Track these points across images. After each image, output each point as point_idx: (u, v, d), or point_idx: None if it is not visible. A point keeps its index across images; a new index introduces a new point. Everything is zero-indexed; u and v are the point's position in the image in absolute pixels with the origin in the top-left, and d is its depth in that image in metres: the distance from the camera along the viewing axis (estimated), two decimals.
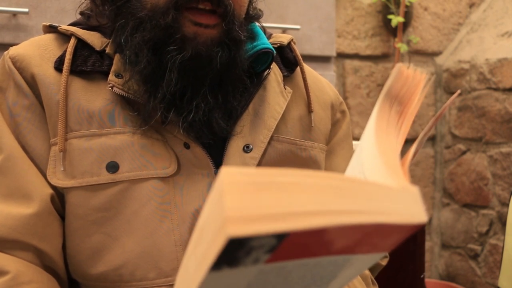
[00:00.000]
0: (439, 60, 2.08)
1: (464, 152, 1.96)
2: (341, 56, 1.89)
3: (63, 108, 0.62)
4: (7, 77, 0.65)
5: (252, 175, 0.24)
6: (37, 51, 0.66)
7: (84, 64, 0.65)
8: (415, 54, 2.03)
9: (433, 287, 1.92)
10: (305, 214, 0.24)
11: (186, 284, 0.28)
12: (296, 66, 0.77)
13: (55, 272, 0.63)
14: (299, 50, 0.79)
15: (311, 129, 0.75)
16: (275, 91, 0.73)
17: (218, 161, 0.66)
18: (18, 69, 0.64)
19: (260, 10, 0.74)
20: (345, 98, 1.89)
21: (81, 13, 0.72)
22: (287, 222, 0.24)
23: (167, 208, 0.63)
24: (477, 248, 1.91)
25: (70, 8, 0.74)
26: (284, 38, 0.77)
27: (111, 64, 0.65)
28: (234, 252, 0.24)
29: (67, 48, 0.65)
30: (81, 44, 0.66)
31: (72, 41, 0.66)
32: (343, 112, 0.82)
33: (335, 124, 0.80)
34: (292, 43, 0.78)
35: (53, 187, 0.63)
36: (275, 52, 0.71)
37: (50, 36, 0.69)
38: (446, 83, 2.04)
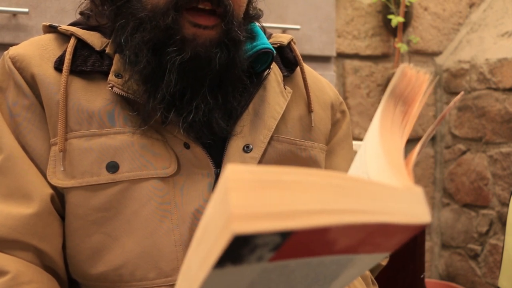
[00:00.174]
0: (439, 60, 2.08)
1: (464, 152, 1.96)
2: (341, 56, 1.89)
3: (63, 108, 0.62)
4: (7, 77, 0.65)
5: (258, 173, 0.24)
6: (37, 51, 0.66)
7: (84, 64, 0.65)
8: (415, 54, 2.03)
9: (433, 287, 1.91)
10: (310, 212, 0.24)
11: (189, 281, 0.28)
12: (296, 66, 0.77)
13: (55, 272, 0.63)
14: (299, 50, 0.79)
15: (311, 129, 0.75)
16: (275, 91, 0.73)
17: (218, 161, 0.66)
18: (18, 69, 0.64)
19: (260, 10, 0.74)
20: (345, 98, 1.89)
21: (81, 13, 0.72)
22: (292, 220, 0.24)
23: (167, 208, 0.63)
24: (477, 248, 1.91)
25: (70, 8, 0.74)
26: (284, 38, 0.77)
27: (111, 64, 0.65)
28: (239, 249, 0.24)
29: (67, 48, 0.65)
30: (81, 44, 0.66)
31: (72, 41, 0.66)
32: (343, 112, 0.82)
33: (335, 124, 0.80)
34: (292, 43, 0.78)
35: (53, 187, 0.63)
36: (275, 52, 0.71)
37: (50, 36, 0.69)
38: (446, 83, 2.04)
